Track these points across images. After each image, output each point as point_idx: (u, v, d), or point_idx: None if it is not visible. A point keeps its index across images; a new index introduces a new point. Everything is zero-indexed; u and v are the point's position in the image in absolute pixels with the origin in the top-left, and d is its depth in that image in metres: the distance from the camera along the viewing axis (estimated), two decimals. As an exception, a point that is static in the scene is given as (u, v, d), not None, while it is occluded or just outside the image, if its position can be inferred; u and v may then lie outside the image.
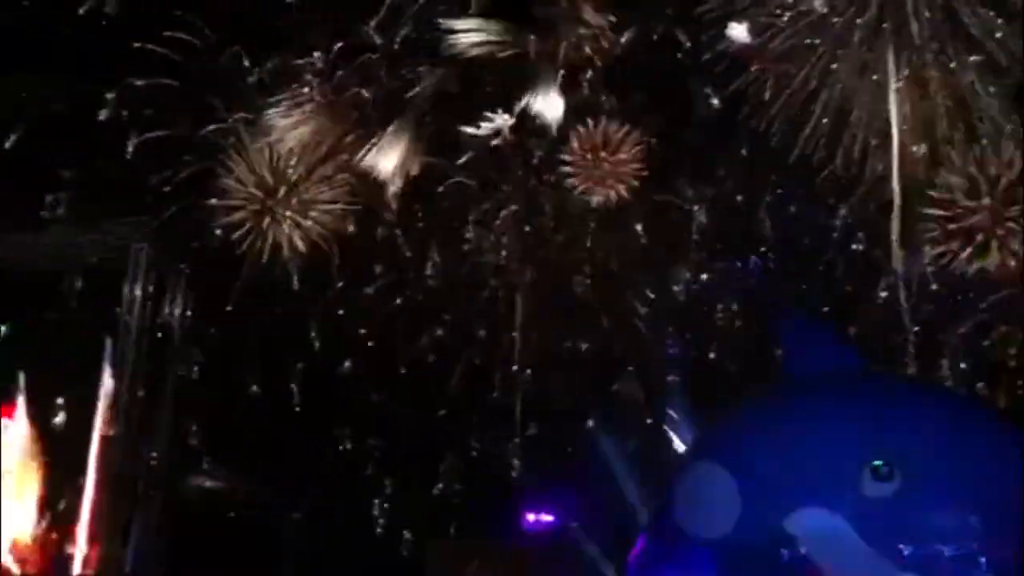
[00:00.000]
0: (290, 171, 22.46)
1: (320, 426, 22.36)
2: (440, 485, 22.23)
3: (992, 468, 10.28)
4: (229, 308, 22.26)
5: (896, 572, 9.98)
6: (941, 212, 20.08)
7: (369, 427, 22.79)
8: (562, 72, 22.00)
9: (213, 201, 22.32)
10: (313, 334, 22.53)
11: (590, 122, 21.98)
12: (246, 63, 22.31)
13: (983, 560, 9.86)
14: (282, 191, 22.37)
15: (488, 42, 21.97)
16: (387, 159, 22.39)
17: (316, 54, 22.32)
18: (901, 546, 9.97)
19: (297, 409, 22.41)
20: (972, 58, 20.13)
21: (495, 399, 22.17)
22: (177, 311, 22.63)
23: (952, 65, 20.18)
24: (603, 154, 21.75)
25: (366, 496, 22.73)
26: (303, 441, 21.95)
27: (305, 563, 21.81)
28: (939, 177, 20.25)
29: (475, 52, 21.98)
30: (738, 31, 20.80)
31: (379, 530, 22.50)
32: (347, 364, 22.76)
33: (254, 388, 22.47)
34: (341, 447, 22.73)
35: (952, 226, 19.98)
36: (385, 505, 22.72)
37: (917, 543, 9.96)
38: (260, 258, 22.10)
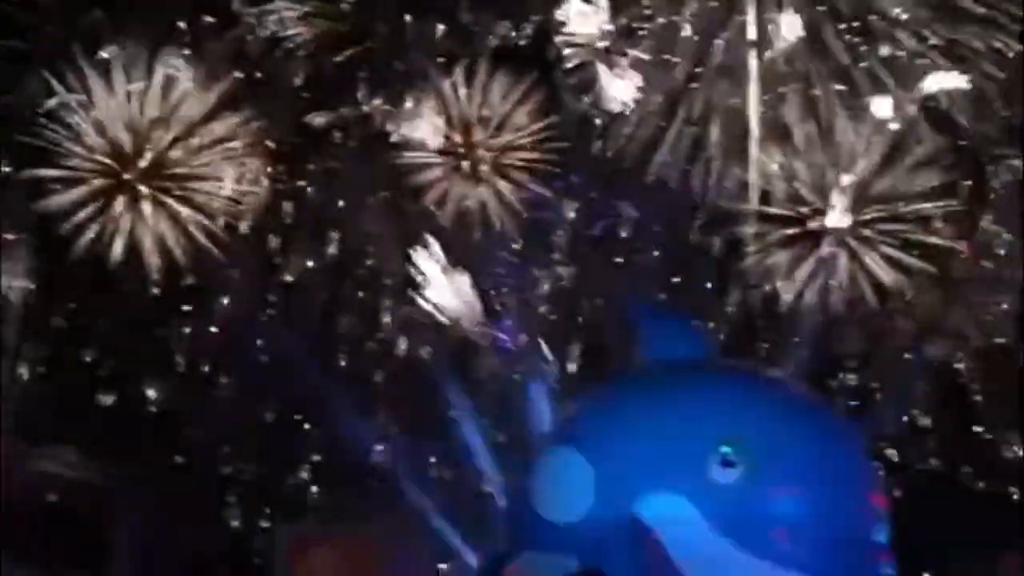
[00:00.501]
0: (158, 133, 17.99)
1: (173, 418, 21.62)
2: (298, 471, 22.09)
3: (832, 457, 10.87)
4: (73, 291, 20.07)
5: (739, 555, 10.45)
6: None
7: (225, 413, 22.36)
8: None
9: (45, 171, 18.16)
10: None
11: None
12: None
13: (821, 545, 10.40)
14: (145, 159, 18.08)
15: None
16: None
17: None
18: (745, 530, 10.44)
19: (152, 409, 21.49)
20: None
21: (357, 383, 22.13)
22: (16, 284, 19.76)
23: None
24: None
25: (214, 484, 22.32)
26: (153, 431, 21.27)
27: (139, 552, 21.18)
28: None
29: None
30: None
31: (232, 521, 22.18)
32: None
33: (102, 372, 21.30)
34: (193, 436, 22.22)
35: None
36: (234, 496, 22.31)
37: (760, 528, 10.40)
38: (109, 248, 18.71)
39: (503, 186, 23.07)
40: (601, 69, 21.16)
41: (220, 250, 20.71)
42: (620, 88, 21.14)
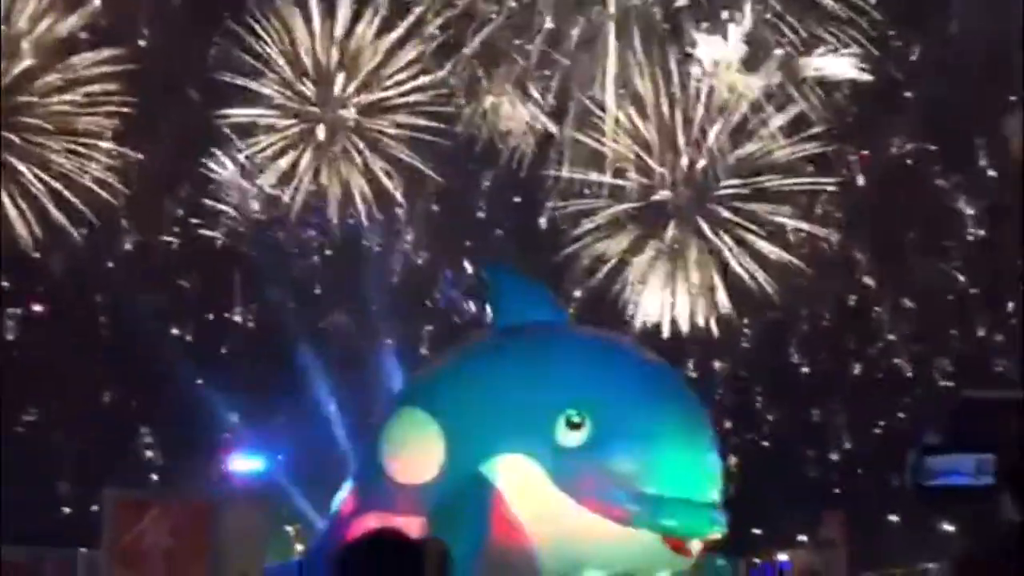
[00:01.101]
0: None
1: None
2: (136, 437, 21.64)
3: (673, 420, 11.21)
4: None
5: (582, 514, 10.75)
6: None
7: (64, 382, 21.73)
8: None
9: None
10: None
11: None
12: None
13: (667, 502, 10.76)
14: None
15: None
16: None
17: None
18: (588, 489, 10.73)
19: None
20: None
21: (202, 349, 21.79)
22: None
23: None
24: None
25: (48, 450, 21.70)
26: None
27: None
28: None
29: None
30: None
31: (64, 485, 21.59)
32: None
33: None
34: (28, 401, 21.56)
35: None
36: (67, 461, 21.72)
37: (605, 487, 10.70)
38: None
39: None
40: None
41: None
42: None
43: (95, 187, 20.90)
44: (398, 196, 22.35)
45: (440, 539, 4.60)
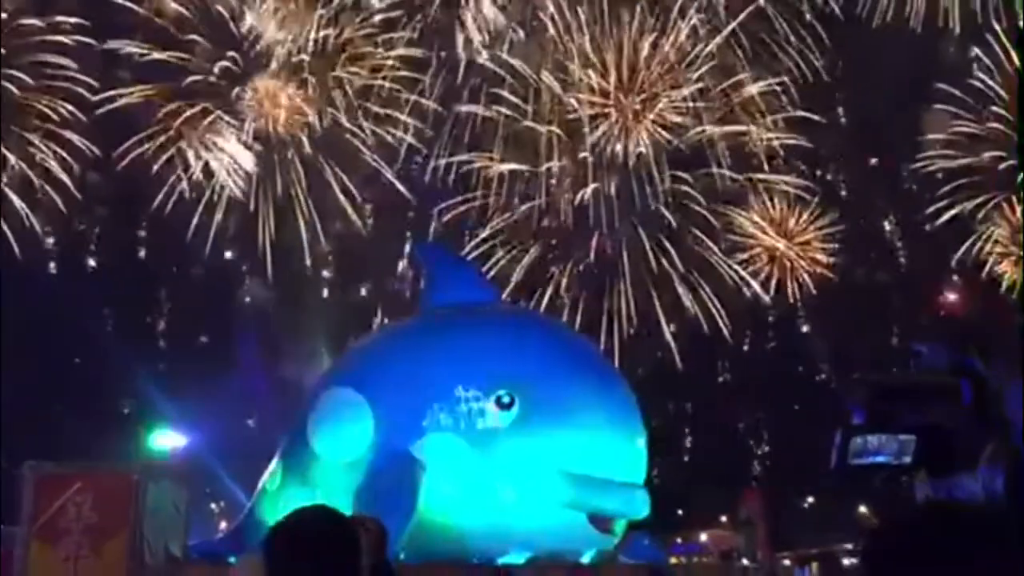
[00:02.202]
0: None
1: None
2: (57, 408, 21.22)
3: (602, 402, 11.33)
4: None
5: (508, 492, 10.81)
6: None
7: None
8: None
9: None
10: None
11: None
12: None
13: (595, 483, 10.87)
14: None
15: None
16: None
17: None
18: (517, 469, 10.81)
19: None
20: None
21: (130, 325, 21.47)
22: None
23: None
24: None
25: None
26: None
27: None
28: None
29: None
30: None
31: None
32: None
33: None
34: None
35: None
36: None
37: (533, 465, 10.80)
38: None
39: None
40: None
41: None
42: None
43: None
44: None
45: (376, 518, 4.60)
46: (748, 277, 23.72)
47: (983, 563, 1.70)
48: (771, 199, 23.78)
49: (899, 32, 22.73)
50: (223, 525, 18.78)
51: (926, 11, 23.05)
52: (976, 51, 23.32)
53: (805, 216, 23.84)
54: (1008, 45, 22.83)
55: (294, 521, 2.53)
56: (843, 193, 25.77)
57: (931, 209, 23.49)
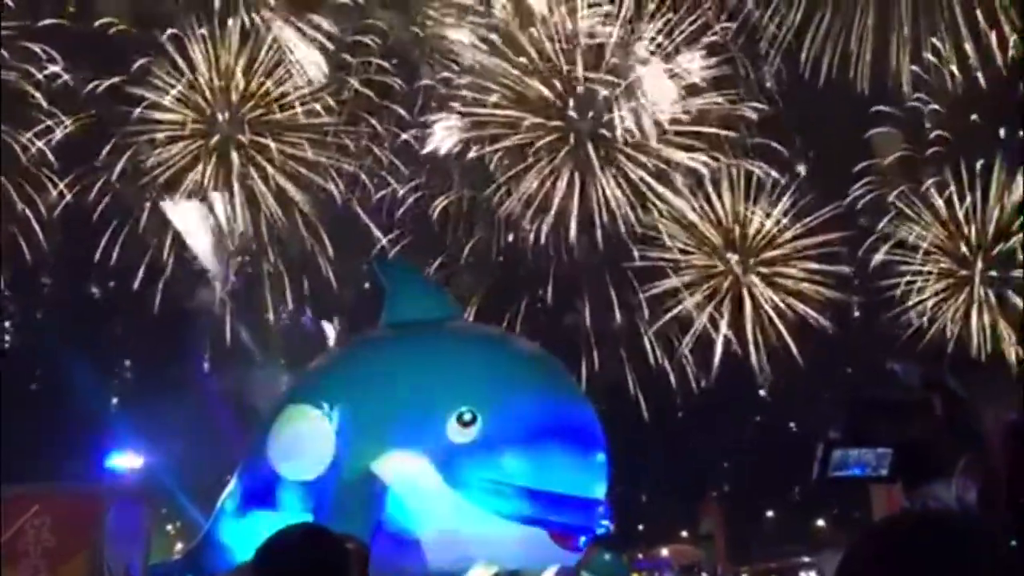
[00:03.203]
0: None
1: None
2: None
3: (562, 418, 11.35)
4: None
5: (471, 510, 10.80)
6: None
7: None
8: None
9: None
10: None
11: None
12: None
13: (556, 499, 10.88)
14: None
15: None
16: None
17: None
18: (477, 486, 10.80)
19: None
20: None
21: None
22: None
23: None
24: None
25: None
26: None
27: None
28: None
29: None
30: None
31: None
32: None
33: None
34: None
35: None
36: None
37: (495, 482, 10.80)
38: None
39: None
40: None
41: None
42: None
43: None
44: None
45: (359, 539, 4.58)
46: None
47: (961, 569, 1.77)
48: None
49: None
50: (179, 546, 18.58)
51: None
52: None
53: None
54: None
55: (284, 542, 2.50)
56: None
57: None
